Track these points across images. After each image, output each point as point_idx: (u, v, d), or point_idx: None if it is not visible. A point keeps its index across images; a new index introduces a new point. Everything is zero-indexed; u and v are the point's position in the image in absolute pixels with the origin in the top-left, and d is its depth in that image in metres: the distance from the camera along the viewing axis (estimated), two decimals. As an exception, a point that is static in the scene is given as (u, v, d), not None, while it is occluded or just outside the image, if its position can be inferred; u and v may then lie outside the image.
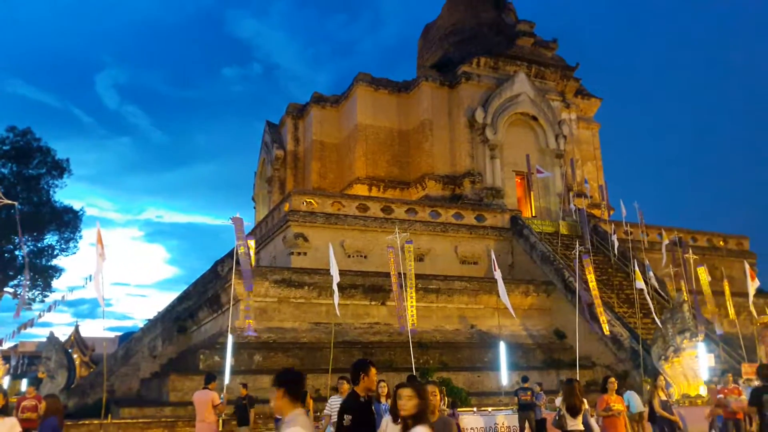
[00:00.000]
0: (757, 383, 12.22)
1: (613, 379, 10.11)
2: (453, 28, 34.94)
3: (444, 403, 10.82)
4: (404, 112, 32.24)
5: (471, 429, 13.70)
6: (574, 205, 28.00)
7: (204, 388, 10.44)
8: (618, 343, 20.49)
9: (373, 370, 5.00)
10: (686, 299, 18.92)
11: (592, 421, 9.34)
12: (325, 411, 9.00)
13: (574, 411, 8.45)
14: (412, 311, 18.52)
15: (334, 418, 8.07)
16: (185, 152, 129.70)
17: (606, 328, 19.58)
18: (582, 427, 8.53)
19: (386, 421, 5.17)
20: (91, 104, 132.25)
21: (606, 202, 31.13)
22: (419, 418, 4.19)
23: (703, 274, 22.17)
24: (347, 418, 4.63)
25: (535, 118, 30.94)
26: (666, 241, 24.52)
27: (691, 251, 22.32)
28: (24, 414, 11.60)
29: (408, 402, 4.21)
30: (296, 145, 35.61)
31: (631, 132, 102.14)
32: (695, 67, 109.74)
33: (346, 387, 8.72)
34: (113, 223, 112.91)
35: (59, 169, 32.14)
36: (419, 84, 31.36)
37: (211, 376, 10.75)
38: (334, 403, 8.52)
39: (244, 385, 12.85)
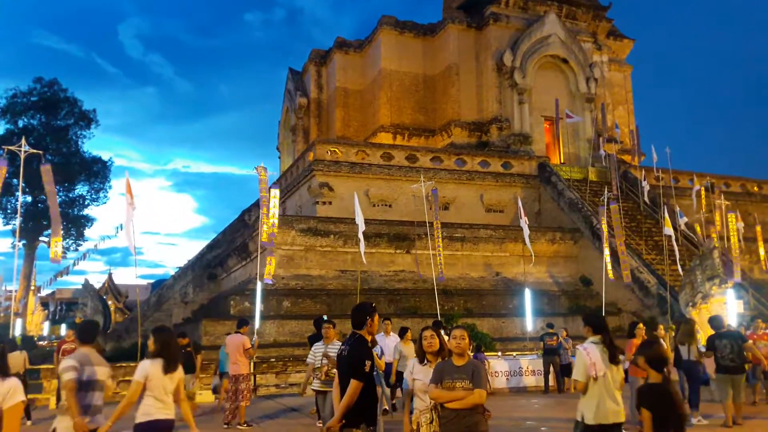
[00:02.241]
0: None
1: (641, 325, 10.11)
2: (480, -33, 33.51)
3: (470, 348, 10.94)
4: (430, 56, 31.45)
5: (496, 372, 13.93)
6: (604, 151, 27.33)
7: (236, 332, 10.72)
8: (645, 289, 20.37)
9: (377, 316, 4.97)
10: (717, 246, 18.56)
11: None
12: (308, 359, 8.45)
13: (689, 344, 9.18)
14: (438, 260, 18.61)
15: (318, 364, 7.98)
16: (210, 102, 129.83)
17: (627, 275, 19.40)
18: (696, 358, 9.42)
19: (413, 362, 5.28)
20: (115, 54, 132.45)
21: (637, 147, 30.34)
22: (440, 353, 5.09)
23: (732, 221, 21.58)
24: (368, 363, 4.58)
25: (565, 61, 29.92)
26: (697, 187, 23.91)
27: (723, 197, 21.73)
28: (65, 356, 12.17)
29: (432, 340, 5.09)
30: (319, 92, 35.20)
31: (664, 74, 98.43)
32: (731, 6, 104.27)
33: (332, 333, 8.28)
34: (141, 174, 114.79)
35: (86, 119, 32.42)
36: (445, 26, 30.43)
37: (243, 321, 11.01)
38: (318, 350, 8.16)
39: (183, 335, 11.87)
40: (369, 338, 4.83)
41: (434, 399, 4.72)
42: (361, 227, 15.77)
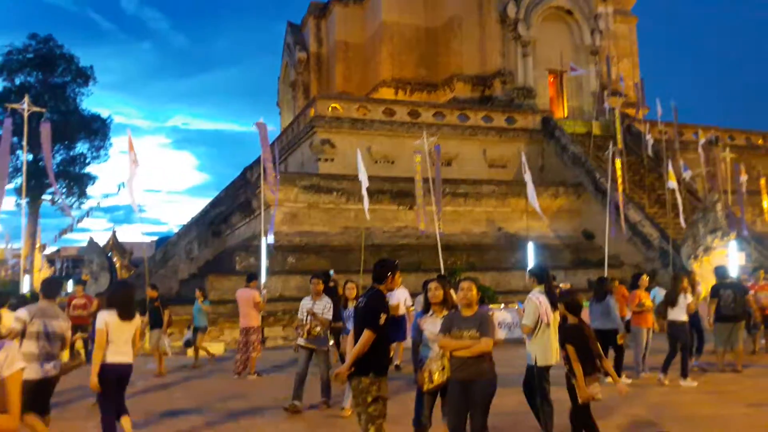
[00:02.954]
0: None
1: (645, 276, 10.24)
2: None
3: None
4: (431, 8, 30.75)
5: (498, 323, 14.17)
6: (609, 104, 27.03)
7: (246, 287, 10.88)
8: (647, 243, 20.49)
9: (398, 273, 5.04)
10: (719, 198, 18.59)
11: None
12: (298, 315, 8.07)
13: (674, 302, 9.26)
14: (439, 216, 18.65)
15: (304, 321, 7.63)
16: (207, 57, 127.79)
17: (624, 228, 19.44)
18: (685, 318, 9.32)
19: (426, 317, 5.40)
20: (110, 9, 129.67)
21: (642, 100, 29.97)
22: (444, 304, 5.30)
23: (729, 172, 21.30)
24: (383, 317, 4.64)
25: (570, 12, 29.25)
26: (702, 141, 23.74)
27: (728, 150, 21.60)
28: (75, 311, 12.40)
29: (437, 292, 5.28)
30: (319, 46, 34.59)
31: (670, 25, 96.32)
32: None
33: (320, 287, 7.93)
34: (141, 131, 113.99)
35: (84, 76, 31.98)
36: (447, -23, 29.65)
37: (252, 275, 11.19)
38: (305, 306, 7.86)
39: (153, 286, 11.94)
40: (386, 293, 4.90)
41: (442, 347, 4.86)
42: (365, 184, 15.76)
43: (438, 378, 4.95)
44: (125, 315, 5.62)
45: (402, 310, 10.47)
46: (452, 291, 5.69)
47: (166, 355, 11.52)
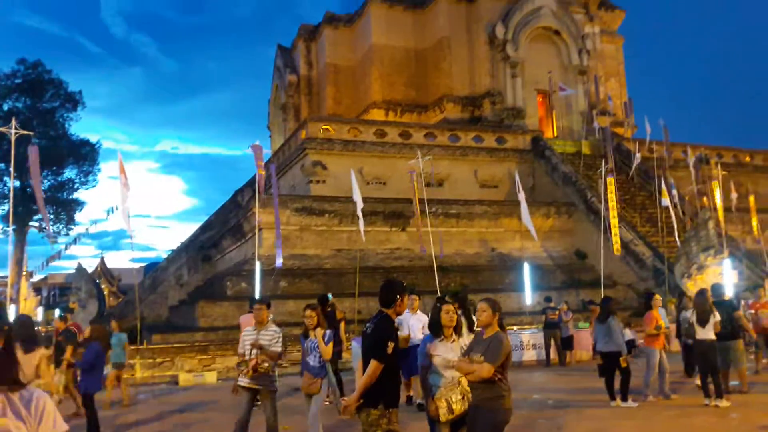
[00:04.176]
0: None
1: (657, 296, 10.09)
2: (470, -62, 32.91)
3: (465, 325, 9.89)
4: (420, 29, 31.03)
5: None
6: (597, 124, 27.25)
7: (249, 312, 10.69)
8: (640, 261, 20.47)
9: (406, 295, 4.80)
10: (711, 216, 18.63)
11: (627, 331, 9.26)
12: (239, 350, 6.88)
13: (703, 321, 8.97)
14: (433, 237, 18.54)
15: (247, 356, 6.50)
16: (197, 81, 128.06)
17: (617, 248, 19.34)
18: (713, 336, 8.98)
19: (436, 342, 5.08)
20: (99, 34, 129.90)
21: (630, 119, 30.27)
22: (457, 328, 5.17)
23: (716, 191, 21.26)
24: (391, 345, 4.38)
25: (557, 33, 29.63)
26: (692, 159, 23.92)
27: (719, 167, 21.73)
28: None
29: (452, 315, 5.07)
30: (309, 69, 34.71)
31: (657, 45, 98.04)
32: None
33: (265, 315, 6.74)
34: (130, 156, 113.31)
35: (73, 101, 31.83)
36: None
37: (255, 301, 10.98)
38: (248, 338, 6.62)
39: (63, 318, 10.72)
40: (395, 318, 4.64)
41: (458, 369, 4.73)
42: (359, 205, 15.63)
43: (459, 408, 4.73)
44: (27, 347, 5.79)
45: (418, 337, 8.45)
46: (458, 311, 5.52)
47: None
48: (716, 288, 10.85)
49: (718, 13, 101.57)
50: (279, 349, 6.62)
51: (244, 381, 6.54)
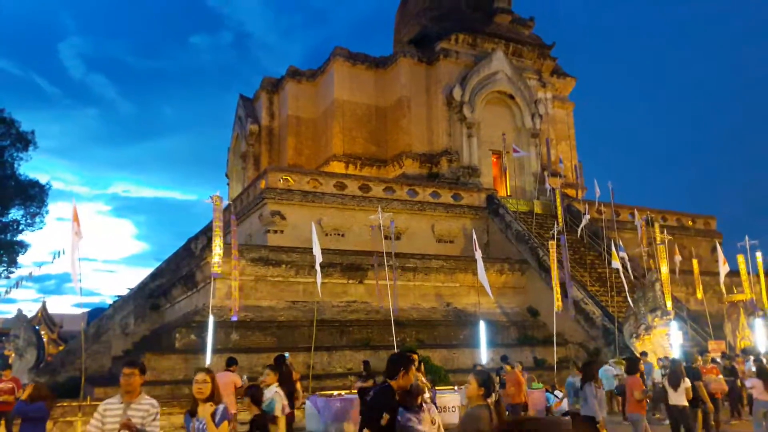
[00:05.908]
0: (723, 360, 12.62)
1: (641, 361, 10.10)
2: (431, 3, 34.51)
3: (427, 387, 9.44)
4: (381, 88, 31.91)
5: (452, 408, 13.79)
6: (549, 185, 28.27)
7: (226, 371, 10.52)
8: (590, 320, 20.93)
9: (414, 368, 4.53)
10: (657, 278, 19.36)
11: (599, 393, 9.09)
12: (89, 429, 4.97)
13: (675, 386, 9.15)
14: (392, 290, 18.57)
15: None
16: (153, 125, 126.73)
17: (559, 304, 19.75)
18: (686, 402, 9.03)
19: (410, 415, 4.61)
20: (55, 74, 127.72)
21: (580, 181, 31.53)
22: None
23: (663, 253, 22.26)
24: (386, 417, 4.19)
25: (512, 97, 30.98)
26: (639, 221, 24.99)
27: (665, 231, 22.77)
28: (1, 397, 11.32)
29: (425, 382, 5.06)
30: (271, 120, 35.02)
31: (605, 111, 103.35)
32: (669, 48, 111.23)
33: (137, 382, 5.11)
34: (80, 197, 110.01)
35: (24, 141, 31.03)
36: (397, 60, 31.03)
37: (233, 360, 10.87)
38: (111, 412, 4.99)
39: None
40: (398, 392, 4.44)
41: None
42: (318, 258, 15.60)
43: None
44: None
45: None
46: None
47: None
48: (674, 363, 10.77)
49: (664, 81, 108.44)
50: (157, 428, 5.00)
51: None
